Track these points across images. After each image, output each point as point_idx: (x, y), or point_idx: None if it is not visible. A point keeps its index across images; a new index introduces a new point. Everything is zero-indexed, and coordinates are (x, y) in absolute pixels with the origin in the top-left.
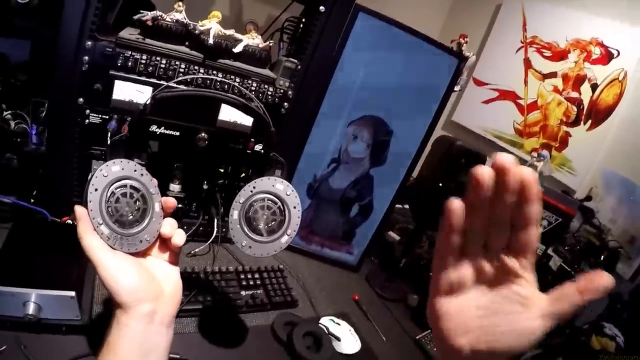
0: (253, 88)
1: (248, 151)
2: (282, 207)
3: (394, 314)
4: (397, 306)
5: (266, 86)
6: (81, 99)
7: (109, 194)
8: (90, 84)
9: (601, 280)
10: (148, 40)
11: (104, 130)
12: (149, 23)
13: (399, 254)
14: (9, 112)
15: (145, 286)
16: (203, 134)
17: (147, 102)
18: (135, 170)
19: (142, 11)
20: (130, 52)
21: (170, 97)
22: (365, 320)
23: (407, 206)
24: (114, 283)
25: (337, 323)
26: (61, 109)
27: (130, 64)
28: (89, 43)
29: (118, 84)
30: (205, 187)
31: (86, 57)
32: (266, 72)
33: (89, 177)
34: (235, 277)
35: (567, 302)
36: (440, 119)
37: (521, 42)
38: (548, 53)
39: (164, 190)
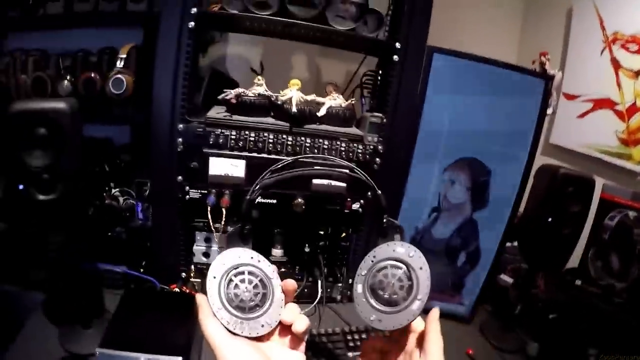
0: (342, 148)
1: (346, 211)
2: (407, 271)
3: None
4: (516, 357)
5: (355, 144)
6: (180, 177)
7: (227, 281)
8: (187, 163)
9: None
10: (235, 117)
11: (203, 204)
12: (234, 101)
13: (514, 299)
14: (117, 189)
15: None
16: (299, 200)
17: (252, 195)
18: (252, 258)
19: (225, 90)
20: (220, 130)
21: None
22: None
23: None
24: None
25: None
26: (162, 187)
27: (221, 140)
28: (181, 126)
29: (213, 160)
30: (307, 249)
31: (180, 139)
32: (353, 130)
33: (210, 268)
34: (342, 338)
35: None
36: (539, 145)
37: (603, 41)
38: (634, 47)
39: (267, 256)
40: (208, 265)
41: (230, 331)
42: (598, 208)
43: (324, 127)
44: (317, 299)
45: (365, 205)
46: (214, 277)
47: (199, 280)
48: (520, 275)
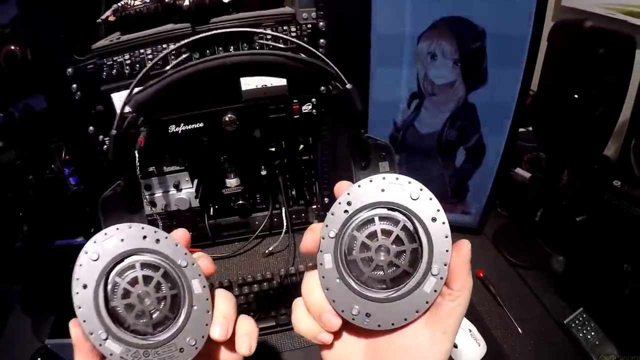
0: (268, 37)
1: (295, 116)
2: (411, 225)
3: (533, 288)
4: (537, 275)
5: (286, 28)
6: (91, 128)
7: (110, 288)
8: (91, 109)
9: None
10: (124, 37)
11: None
12: (112, 18)
13: (533, 200)
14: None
15: None
16: (229, 116)
17: (127, 111)
18: (145, 237)
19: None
20: (112, 59)
21: (154, 94)
22: (495, 305)
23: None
24: None
25: None
26: (77, 144)
27: (115, 71)
28: (70, 70)
29: (115, 96)
30: (263, 172)
31: (74, 85)
32: (280, 10)
33: (75, 270)
34: None
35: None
36: (547, 5)
37: None
38: None
39: (221, 188)
40: (160, 214)
41: None
42: None
43: (239, 15)
44: (284, 230)
45: (320, 103)
46: (85, 287)
47: None
48: (541, 168)
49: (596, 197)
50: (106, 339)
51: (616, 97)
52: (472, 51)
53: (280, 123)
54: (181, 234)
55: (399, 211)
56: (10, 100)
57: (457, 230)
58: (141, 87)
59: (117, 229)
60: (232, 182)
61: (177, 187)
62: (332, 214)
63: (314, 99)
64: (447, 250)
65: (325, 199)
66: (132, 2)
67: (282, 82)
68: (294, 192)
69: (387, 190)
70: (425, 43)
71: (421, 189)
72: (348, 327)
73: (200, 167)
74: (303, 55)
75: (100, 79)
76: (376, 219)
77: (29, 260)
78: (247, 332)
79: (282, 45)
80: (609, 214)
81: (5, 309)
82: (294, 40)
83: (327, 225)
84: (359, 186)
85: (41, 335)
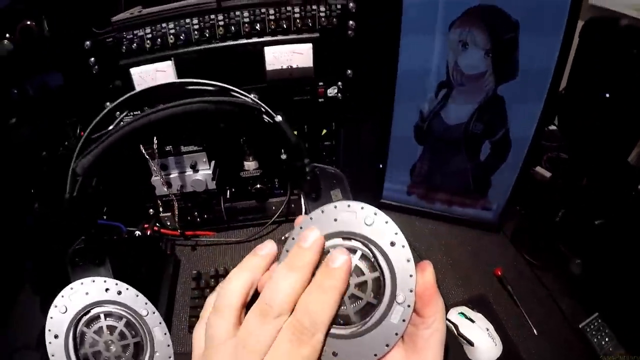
0: (296, 16)
1: (320, 100)
2: (370, 254)
3: (550, 290)
4: (555, 276)
5: (314, 7)
6: (108, 103)
7: (79, 337)
8: (109, 84)
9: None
10: (146, 10)
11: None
12: None
13: (554, 199)
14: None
15: None
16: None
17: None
18: (107, 290)
19: None
20: (132, 32)
21: (97, 157)
22: (511, 305)
23: (554, 127)
24: None
25: (469, 319)
26: (93, 119)
27: (135, 44)
28: (88, 43)
29: (134, 72)
30: (283, 157)
31: (92, 59)
32: None
33: (47, 323)
34: None
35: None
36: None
37: None
38: None
39: (239, 170)
40: (176, 195)
41: None
42: None
43: None
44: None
45: (346, 87)
46: (56, 337)
47: (169, 213)
48: (562, 168)
49: (616, 202)
50: None
51: None
52: (505, 42)
53: (304, 106)
54: (269, 249)
55: (355, 239)
56: (25, 76)
57: (476, 227)
58: (85, 153)
59: (82, 283)
60: (250, 164)
61: (194, 168)
62: (287, 251)
63: (340, 83)
64: (410, 275)
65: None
66: None
67: (308, 63)
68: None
69: (340, 219)
70: (457, 30)
71: (375, 213)
72: None
73: (218, 148)
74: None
75: (120, 52)
76: (331, 250)
77: (40, 237)
78: None
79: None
80: (629, 219)
81: (16, 286)
82: (218, 84)
83: (281, 259)
84: (311, 218)
85: (46, 312)
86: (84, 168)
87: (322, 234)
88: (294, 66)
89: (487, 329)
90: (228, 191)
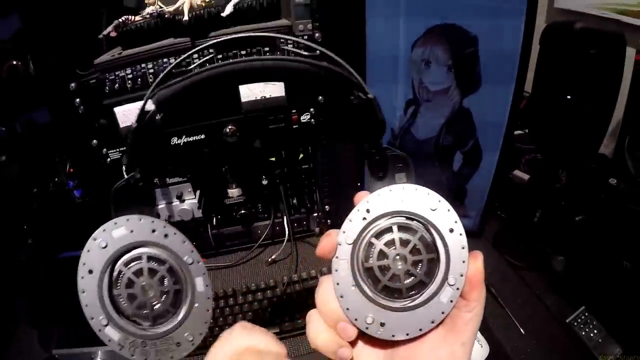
0: (266, 50)
1: (295, 126)
2: (429, 237)
3: (534, 288)
4: (538, 276)
5: (282, 41)
6: (94, 141)
7: (115, 276)
8: (94, 123)
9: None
10: (125, 52)
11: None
12: (113, 34)
13: (532, 201)
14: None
15: None
16: (230, 127)
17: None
18: (154, 231)
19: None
20: (114, 74)
21: (176, 91)
22: (496, 306)
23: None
24: None
25: None
26: (81, 157)
27: (117, 85)
28: (73, 84)
29: (118, 111)
30: (264, 182)
31: (77, 99)
32: (277, 22)
33: (82, 255)
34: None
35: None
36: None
37: None
38: None
39: (223, 198)
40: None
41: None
42: (634, 77)
43: (237, 28)
44: (286, 238)
45: (319, 113)
46: (90, 272)
47: None
48: (539, 170)
49: (594, 196)
50: (106, 325)
51: (609, 95)
52: (466, 57)
53: (279, 133)
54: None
55: (417, 221)
56: (12, 114)
57: None
58: (164, 85)
59: (127, 219)
60: (234, 192)
61: (180, 198)
62: (350, 221)
63: (312, 109)
64: (463, 261)
65: (326, 206)
66: (133, 17)
67: (280, 92)
68: (295, 201)
69: (406, 200)
70: (419, 50)
71: (439, 200)
72: (364, 338)
73: (202, 178)
74: (326, 63)
75: (103, 93)
76: (394, 227)
77: (34, 273)
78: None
79: (305, 53)
80: (606, 213)
81: (12, 321)
82: (319, 48)
83: (344, 232)
84: (378, 195)
85: (48, 346)
86: (159, 100)
87: (388, 210)
88: (268, 96)
89: None
90: (214, 218)
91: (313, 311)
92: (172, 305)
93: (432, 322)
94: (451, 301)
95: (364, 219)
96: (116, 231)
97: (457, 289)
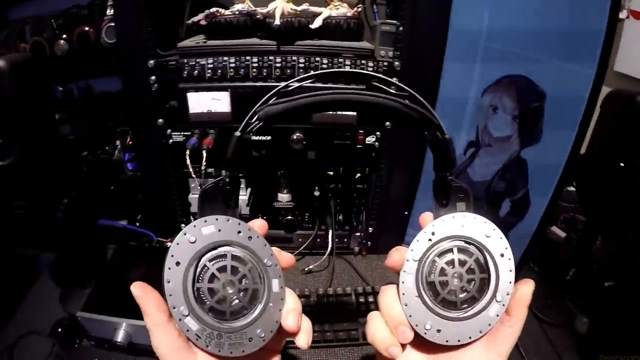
0: (347, 66)
1: (359, 146)
2: (482, 259)
3: (556, 345)
4: (562, 333)
5: (364, 62)
6: (160, 120)
7: (199, 270)
8: (165, 103)
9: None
10: (210, 42)
11: (194, 148)
12: (203, 22)
13: (566, 259)
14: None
15: None
16: (297, 135)
17: (250, 125)
18: (239, 232)
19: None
20: (195, 60)
21: (283, 110)
22: (517, 356)
23: (572, 188)
24: None
25: None
26: (143, 132)
27: (196, 72)
28: (152, 62)
29: (191, 96)
30: (317, 193)
31: (153, 77)
32: (361, 44)
33: (171, 248)
34: (353, 300)
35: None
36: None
37: None
38: None
39: (273, 201)
40: None
41: (201, 349)
42: None
43: (322, 42)
44: (328, 251)
45: (383, 137)
46: (177, 264)
47: None
48: (577, 229)
49: (627, 267)
50: (187, 315)
51: None
52: (531, 110)
53: (343, 150)
54: (259, 224)
55: (474, 245)
56: (71, 78)
57: None
58: (273, 101)
59: (217, 219)
60: (284, 197)
61: None
62: (418, 241)
63: (378, 132)
64: (510, 282)
65: (370, 228)
66: (223, 10)
67: (352, 111)
68: (340, 217)
69: (466, 227)
70: (489, 96)
71: (494, 229)
72: (413, 342)
73: (256, 177)
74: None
75: (180, 76)
76: (455, 249)
77: (69, 232)
78: (307, 328)
79: (393, 91)
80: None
81: (32, 275)
82: (408, 89)
83: (412, 250)
84: (443, 220)
85: (67, 306)
86: (267, 114)
87: (449, 234)
88: (339, 113)
89: None
90: (260, 218)
91: (375, 312)
92: (249, 303)
93: (480, 332)
94: (497, 315)
95: (430, 240)
96: (205, 228)
97: (503, 305)
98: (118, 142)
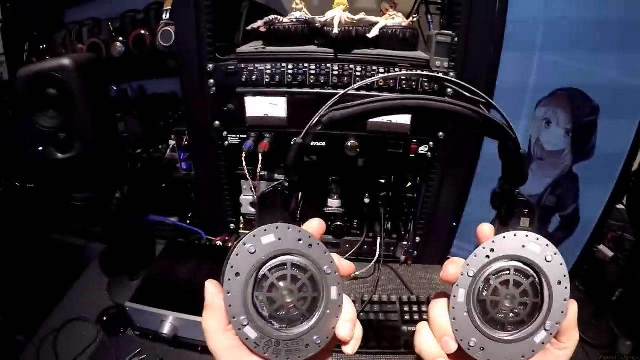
0: (402, 78)
1: (411, 155)
2: (537, 283)
3: None
4: (604, 354)
5: (419, 71)
6: (217, 122)
7: (259, 279)
8: (222, 106)
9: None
10: (269, 49)
11: (249, 150)
12: (262, 29)
13: (613, 279)
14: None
15: None
16: (352, 142)
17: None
18: (300, 240)
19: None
20: (253, 65)
21: (348, 115)
22: None
23: (622, 206)
24: None
25: None
26: (199, 134)
27: (255, 77)
28: (211, 66)
29: (248, 100)
30: (366, 200)
31: (211, 81)
32: (416, 54)
33: (228, 254)
34: (397, 309)
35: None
36: None
37: None
38: None
39: (322, 206)
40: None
41: (260, 356)
42: None
43: (378, 51)
44: (375, 259)
45: (437, 148)
46: (237, 275)
47: (248, 232)
48: (624, 249)
49: None
50: (246, 325)
51: None
52: (585, 124)
53: (395, 158)
54: (318, 225)
55: (532, 268)
56: (126, 79)
57: None
58: (339, 106)
59: (277, 227)
60: (334, 202)
61: None
62: (475, 256)
63: (431, 142)
64: (562, 312)
65: (417, 238)
66: (281, 18)
67: (406, 121)
68: (388, 225)
69: (527, 247)
70: (543, 109)
71: (555, 253)
72: (457, 357)
73: (307, 181)
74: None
75: (239, 81)
76: (512, 270)
77: (120, 225)
78: (357, 336)
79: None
80: None
81: (79, 265)
82: (486, 97)
83: (468, 264)
84: (504, 237)
85: (114, 296)
86: (332, 119)
87: (508, 253)
88: (393, 121)
89: None
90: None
91: (424, 323)
92: (308, 311)
93: (523, 357)
94: (543, 343)
95: (487, 257)
96: (265, 238)
97: (551, 334)
98: (171, 142)
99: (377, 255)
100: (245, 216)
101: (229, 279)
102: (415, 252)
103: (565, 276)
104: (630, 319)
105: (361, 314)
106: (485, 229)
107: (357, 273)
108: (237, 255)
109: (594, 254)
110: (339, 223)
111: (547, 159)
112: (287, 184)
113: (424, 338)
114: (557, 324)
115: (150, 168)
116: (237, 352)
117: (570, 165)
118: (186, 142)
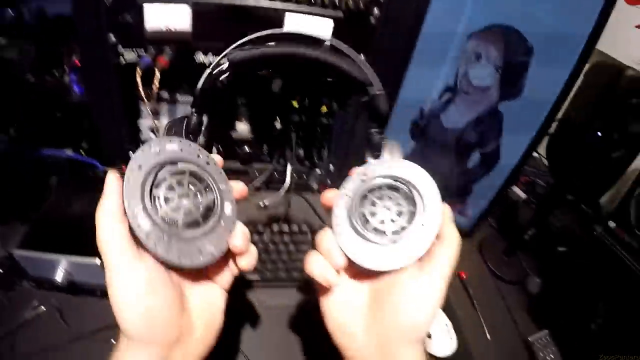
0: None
1: (329, 79)
2: (409, 193)
3: (508, 301)
4: (514, 290)
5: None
6: (112, 36)
7: (159, 178)
8: (118, 17)
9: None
10: None
11: (147, 68)
12: None
13: (525, 219)
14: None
15: (164, 326)
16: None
17: (221, 69)
18: (199, 156)
19: None
20: None
21: (248, 57)
22: (470, 307)
23: (536, 154)
24: (120, 309)
25: None
26: (92, 50)
27: None
28: None
29: (147, 8)
30: (278, 125)
31: None
32: None
33: (135, 154)
34: (309, 239)
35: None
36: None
37: None
38: None
39: (229, 129)
40: None
41: (148, 251)
42: None
43: None
44: (286, 187)
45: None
46: (139, 167)
47: None
48: (535, 191)
49: (579, 236)
50: (140, 214)
51: (635, 146)
52: (516, 64)
53: (311, 80)
54: (216, 158)
55: (403, 183)
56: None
57: None
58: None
59: (180, 140)
60: (243, 128)
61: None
62: (350, 181)
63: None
64: (437, 212)
65: (331, 165)
66: None
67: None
68: (301, 152)
69: (394, 169)
70: (474, 42)
71: (421, 171)
72: (351, 271)
73: (214, 103)
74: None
75: None
76: (384, 186)
77: (7, 163)
78: (253, 252)
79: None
80: (595, 250)
81: None
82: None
83: (344, 187)
84: (373, 164)
85: (5, 244)
86: (234, 59)
87: (383, 173)
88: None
89: (446, 325)
90: (214, 147)
91: (313, 250)
92: (203, 218)
93: (409, 257)
94: (425, 239)
95: (362, 180)
96: (169, 145)
97: (431, 231)
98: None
99: (287, 184)
100: (144, 142)
101: (132, 170)
102: (329, 181)
103: (433, 185)
104: (540, 259)
105: (271, 245)
106: (355, 168)
107: (266, 202)
108: (142, 151)
109: (507, 194)
110: (247, 149)
111: (472, 94)
112: (194, 116)
113: (314, 260)
114: (434, 220)
115: (42, 96)
116: (125, 244)
117: (496, 103)
118: (77, 62)
